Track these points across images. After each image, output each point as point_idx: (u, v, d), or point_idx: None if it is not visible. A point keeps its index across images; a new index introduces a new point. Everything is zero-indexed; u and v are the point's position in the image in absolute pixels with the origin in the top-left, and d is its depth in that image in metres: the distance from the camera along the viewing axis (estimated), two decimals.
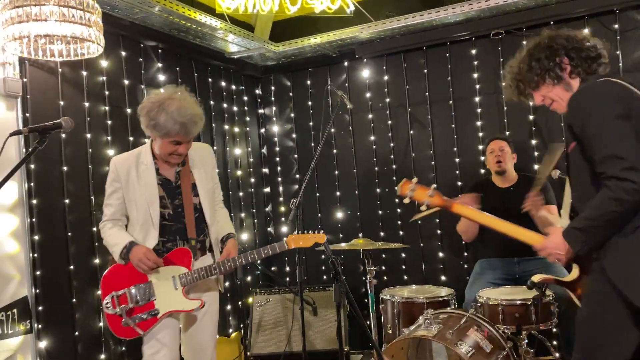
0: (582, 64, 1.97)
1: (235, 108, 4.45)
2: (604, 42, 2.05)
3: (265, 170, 4.77)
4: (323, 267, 4.49)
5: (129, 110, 3.36)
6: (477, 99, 4.01)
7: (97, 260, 3.06)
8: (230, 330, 4.14)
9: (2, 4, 2.42)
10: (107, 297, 2.41)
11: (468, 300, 3.36)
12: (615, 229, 1.79)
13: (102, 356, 3.04)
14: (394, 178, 4.27)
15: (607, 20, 3.64)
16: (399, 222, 4.25)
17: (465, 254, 4.02)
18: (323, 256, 4.46)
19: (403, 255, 4.22)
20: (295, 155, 4.67)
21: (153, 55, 3.64)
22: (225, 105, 4.33)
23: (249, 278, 4.44)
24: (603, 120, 1.78)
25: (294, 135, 4.67)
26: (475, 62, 4.00)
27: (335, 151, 4.47)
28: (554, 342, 3.56)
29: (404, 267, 4.23)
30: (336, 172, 4.48)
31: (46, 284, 2.79)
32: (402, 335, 2.82)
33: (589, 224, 1.82)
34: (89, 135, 3.10)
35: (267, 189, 4.77)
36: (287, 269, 4.67)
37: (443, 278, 4.09)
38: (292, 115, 4.68)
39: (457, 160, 4.07)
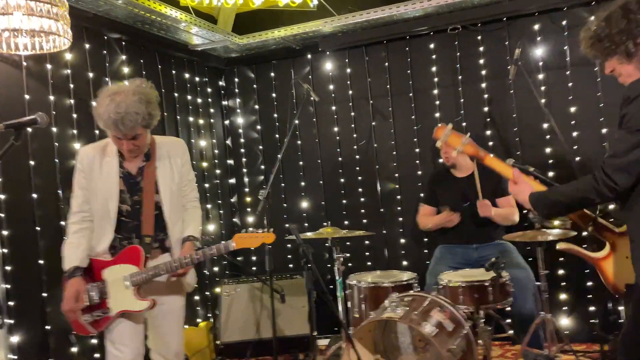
0: None
1: (199, 100, 4.47)
2: None
3: (230, 161, 4.82)
4: (289, 256, 4.60)
5: (94, 103, 3.29)
6: (435, 91, 4.18)
7: None
8: (199, 320, 4.20)
9: None
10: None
11: (429, 283, 3.54)
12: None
13: (74, 349, 3.05)
14: (357, 168, 4.40)
15: (556, 17, 3.86)
16: (362, 211, 4.40)
17: (426, 239, 4.21)
18: (289, 245, 4.57)
19: (367, 242, 4.37)
20: (260, 147, 4.73)
21: (117, 48, 3.62)
22: (189, 97, 4.35)
23: (216, 268, 4.50)
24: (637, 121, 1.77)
25: (258, 127, 4.73)
26: (434, 56, 4.17)
27: (299, 142, 4.56)
28: (508, 321, 3.81)
29: (367, 253, 4.39)
30: (301, 162, 4.58)
31: (17, 278, 2.78)
32: (369, 318, 2.96)
33: (561, 200, 1.92)
34: (55, 129, 3.08)
35: (233, 180, 4.82)
36: (254, 258, 4.75)
37: (405, 263, 4.27)
38: (257, 107, 4.73)
39: (417, 150, 4.24)
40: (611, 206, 2.71)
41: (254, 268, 4.69)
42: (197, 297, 4.20)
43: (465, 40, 4.06)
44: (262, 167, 4.72)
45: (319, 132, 4.52)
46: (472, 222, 3.58)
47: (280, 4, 3.94)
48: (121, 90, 2.32)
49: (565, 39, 3.84)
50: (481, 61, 4.05)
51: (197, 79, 4.46)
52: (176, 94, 4.18)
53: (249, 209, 4.78)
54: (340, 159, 4.47)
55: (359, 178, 4.41)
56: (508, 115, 3.98)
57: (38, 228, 2.93)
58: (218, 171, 4.64)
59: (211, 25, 3.98)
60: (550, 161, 3.88)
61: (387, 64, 4.30)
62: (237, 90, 4.79)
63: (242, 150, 4.80)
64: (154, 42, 3.90)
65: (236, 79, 4.78)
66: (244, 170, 4.79)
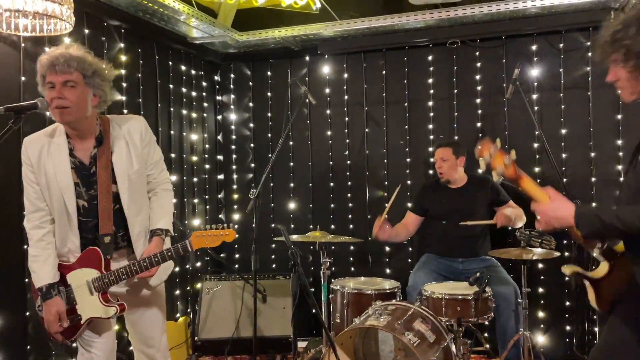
0: None
1: (193, 93, 4.44)
2: None
3: (220, 157, 4.80)
4: (273, 256, 4.60)
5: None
6: (430, 103, 4.22)
7: None
8: (178, 315, 4.17)
9: None
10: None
11: (412, 284, 3.55)
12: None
13: None
14: (348, 173, 4.42)
15: (553, 40, 3.93)
16: (350, 216, 4.42)
17: (410, 249, 4.24)
18: (274, 245, 4.57)
19: (352, 247, 4.39)
20: (252, 145, 4.72)
21: (116, 35, 3.58)
22: (184, 89, 4.32)
23: (198, 264, 4.47)
24: None
25: (251, 125, 4.72)
26: (431, 68, 4.21)
27: (292, 143, 4.56)
28: (485, 335, 3.86)
29: (351, 259, 4.40)
30: (291, 163, 4.58)
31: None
32: (353, 325, 2.97)
33: (617, 224, 1.67)
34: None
35: (221, 176, 4.79)
36: (237, 255, 4.74)
37: (388, 271, 4.30)
38: (251, 104, 4.72)
39: (408, 160, 4.28)
40: None
41: (237, 266, 4.68)
42: (177, 292, 4.17)
43: (463, 55, 4.11)
44: (252, 165, 4.71)
45: (311, 134, 4.53)
46: (460, 235, 3.61)
47: (283, 4, 3.93)
48: (74, 50, 2.15)
49: (560, 62, 3.91)
50: (477, 77, 4.10)
51: (192, 72, 4.43)
52: (171, 86, 4.14)
53: (235, 206, 4.76)
54: (331, 163, 4.48)
55: (349, 183, 4.42)
56: (500, 132, 4.04)
57: (24, 212, 2.87)
58: (207, 166, 4.62)
59: (211, 19, 3.96)
60: (539, 180, 3.93)
61: (384, 72, 4.33)
62: (232, 86, 4.77)
63: (233, 146, 4.78)
64: (153, 32, 3.86)
65: (232, 75, 4.76)
66: (234, 167, 4.77)
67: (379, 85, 4.34)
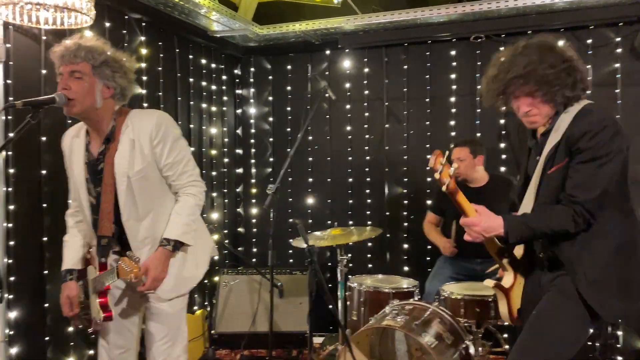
0: (579, 90, 1.95)
1: (213, 87, 4.43)
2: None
3: (239, 151, 4.79)
4: (290, 251, 4.58)
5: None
6: (452, 99, 4.14)
7: None
8: (195, 308, 4.19)
9: None
10: None
11: (428, 292, 3.51)
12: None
13: (70, 328, 3.03)
14: (367, 169, 4.37)
15: (581, 35, 3.81)
16: (368, 212, 4.37)
17: (429, 247, 4.18)
18: (291, 240, 4.54)
19: (369, 244, 4.35)
20: (271, 139, 4.70)
21: (137, 28, 3.58)
22: (204, 83, 4.31)
23: (216, 257, 4.47)
24: (612, 152, 1.85)
25: (270, 119, 4.70)
26: (454, 63, 4.12)
27: (310, 138, 4.52)
28: (505, 335, 3.79)
29: (369, 255, 4.37)
30: (310, 158, 4.54)
31: (19, 254, 2.76)
32: (369, 324, 2.94)
33: (542, 228, 1.91)
34: None
35: (240, 170, 4.79)
36: (255, 250, 4.74)
37: (406, 269, 4.25)
38: (270, 98, 4.69)
39: (428, 157, 4.16)
40: None
41: (254, 260, 4.68)
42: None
43: (488, 50, 4.01)
44: (271, 159, 4.70)
45: (331, 129, 4.49)
46: None
47: None
48: (93, 41, 2.11)
49: (589, 58, 3.79)
50: None
51: (213, 65, 4.42)
52: (191, 79, 4.14)
53: (253, 200, 4.76)
54: (350, 158, 4.43)
55: (367, 179, 4.38)
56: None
57: (44, 205, 2.90)
58: (226, 160, 4.61)
59: (232, 12, 3.94)
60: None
61: (406, 66, 4.26)
62: (252, 80, 4.75)
63: (252, 140, 4.77)
64: (173, 26, 3.86)
65: (252, 69, 4.74)
66: (252, 160, 4.76)
67: (400, 81, 4.27)
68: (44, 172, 2.91)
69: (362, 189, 4.39)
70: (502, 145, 4.01)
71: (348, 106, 4.43)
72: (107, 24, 3.31)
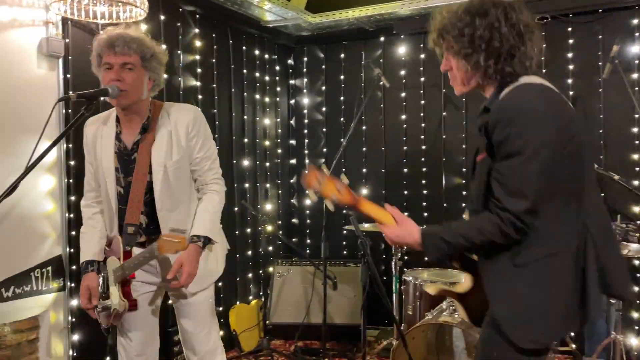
0: (515, 64, 1.55)
1: (267, 77, 4.41)
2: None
3: (293, 141, 4.76)
4: (344, 242, 4.52)
5: (165, 76, 3.34)
6: None
7: None
8: (250, 298, 4.22)
9: None
10: None
11: None
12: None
13: None
14: (423, 159, 4.24)
15: None
16: (424, 204, 4.24)
17: None
18: (345, 231, 4.49)
19: None
20: (324, 129, 4.64)
21: (191, 21, 3.61)
22: (257, 74, 4.30)
23: (270, 248, 4.49)
24: (533, 146, 1.46)
25: (323, 109, 4.64)
26: None
27: (364, 127, 4.43)
28: (571, 334, 3.58)
29: None
30: (364, 148, 4.45)
31: (79, 244, 2.84)
32: (425, 320, 2.85)
33: (462, 243, 1.56)
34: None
35: (293, 161, 4.77)
36: (308, 241, 4.71)
37: None
38: (323, 88, 4.63)
39: None
40: None
41: (307, 251, 4.65)
42: (249, 275, 4.21)
43: (554, 31, 3.76)
44: (324, 149, 4.64)
45: (385, 118, 4.37)
46: None
47: None
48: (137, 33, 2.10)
49: None
50: (569, 55, 3.75)
51: (266, 56, 4.40)
52: (245, 71, 4.14)
53: (307, 191, 4.71)
54: (405, 148, 4.31)
55: (424, 170, 4.24)
56: (594, 115, 3.69)
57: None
58: (280, 150, 4.60)
59: (284, 2, 3.89)
60: (637, 169, 3.56)
61: None
62: (305, 69, 4.70)
63: (305, 131, 4.73)
64: (227, 17, 3.86)
65: (305, 58, 4.69)
66: (306, 151, 4.73)
67: None
68: None
69: (418, 179, 4.25)
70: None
71: (403, 94, 4.30)
72: (162, 17, 3.35)
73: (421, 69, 4.23)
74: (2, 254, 2.53)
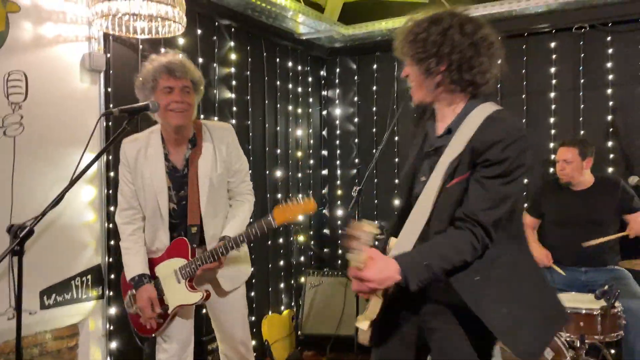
0: (474, 74, 1.63)
1: (299, 89, 4.45)
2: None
3: (325, 152, 4.78)
4: None
5: (201, 89, 3.41)
6: (552, 94, 3.85)
7: None
8: (282, 308, 4.23)
9: None
10: (127, 296, 2.37)
11: None
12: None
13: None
14: None
15: None
16: None
17: None
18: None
19: None
20: (356, 140, 4.64)
21: (226, 34, 3.67)
22: (290, 85, 4.34)
23: (302, 258, 4.50)
24: (521, 168, 1.55)
25: (355, 120, 4.64)
26: (554, 56, 3.83)
27: (397, 138, 4.41)
28: (612, 351, 3.47)
29: None
30: (396, 159, 4.43)
31: (118, 253, 2.86)
32: None
33: (443, 265, 1.52)
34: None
35: (325, 172, 4.78)
36: (340, 251, 4.70)
37: None
38: (356, 99, 4.64)
39: None
40: None
41: (339, 262, 4.64)
42: (281, 285, 4.23)
43: (592, 41, 3.69)
44: (356, 160, 4.63)
45: None
46: (582, 241, 3.25)
47: None
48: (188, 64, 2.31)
49: None
50: (609, 65, 3.66)
51: (299, 67, 4.43)
52: (278, 82, 4.18)
53: (339, 202, 4.72)
54: None
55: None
56: (635, 126, 3.59)
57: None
58: (312, 161, 4.62)
59: (318, 14, 3.93)
60: None
61: (500, 61, 4.01)
62: (337, 80, 4.71)
63: (337, 142, 4.73)
64: (261, 30, 3.91)
65: (338, 69, 4.70)
66: (338, 162, 4.73)
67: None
68: None
69: None
70: (610, 144, 3.66)
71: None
72: (199, 31, 3.42)
73: None
74: (45, 262, 2.61)
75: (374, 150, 4.22)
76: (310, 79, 4.59)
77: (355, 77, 4.63)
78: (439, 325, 1.68)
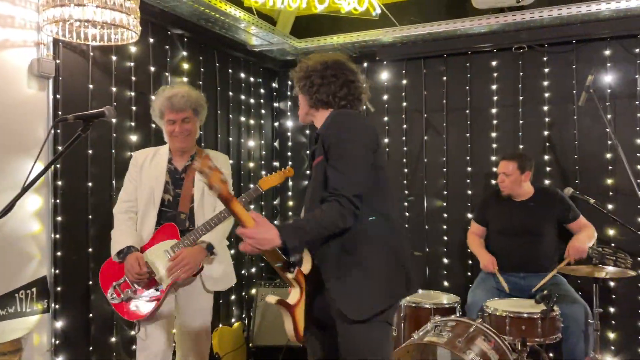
0: (351, 102, 2.10)
1: (252, 100, 4.47)
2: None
3: (276, 163, 4.81)
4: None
5: (152, 97, 3.37)
6: (494, 110, 4.06)
7: None
8: (233, 320, 4.19)
9: None
10: (110, 289, 2.49)
11: (470, 303, 3.42)
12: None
13: (113, 339, 3.08)
14: (405, 182, 4.32)
15: (629, 44, 3.69)
16: (406, 226, 4.31)
17: (470, 262, 4.09)
18: None
19: None
20: (307, 151, 4.70)
21: (179, 44, 3.65)
22: (242, 97, 4.35)
23: (253, 269, 4.49)
24: (358, 145, 1.92)
25: (307, 132, 4.70)
26: (495, 74, 4.05)
27: None
28: (551, 355, 3.66)
29: None
30: None
31: (65, 265, 2.82)
32: (411, 340, 2.87)
33: (316, 228, 1.82)
34: (114, 120, 3.11)
35: None
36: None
37: (446, 284, 4.16)
38: None
39: (468, 169, 4.13)
40: None
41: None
42: (232, 297, 4.20)
43: (530, 60, 3.93)
44: (308, 172, 4.69)
45: None
46: (522, 249, 3.44)
47: (343, 11, 3.89)
48: (176, 87, 2.67)
49: (637, 67, 3.67)
50: (545, 83, 3.91)
51: (251, 79, 4.46)
52: (230, 93, 4.19)
53: (290, 213, 4.75)
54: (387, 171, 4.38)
55: (406, 192, 4.32)
56: (569, 141, 3.83)
57: (90, 216, 2.96)
58: (263, 172, 4.63)
59: (270, 26, 3.98)
60: (611, 193, 3.71)
61: (445, 78, 4.21)
62: (289, 93, 4.77)
63: (289, 153, 4.78)
64: (214, 40, 3.92)
65: (289, 82, 4.76)
66: None
67: (439, 92, 4.22)
68: (90, 184, 2.98)
69: (401, 201, 4.33)
70: (547, 157, 3.90)
71: (386, 118, 4.39)
72: (151, 40, 3.39)
73: (403, 94, 4.34)
74: None
75: None
76: (262, 91, 4.62)
77: None
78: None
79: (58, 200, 2.80)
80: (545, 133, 3.92)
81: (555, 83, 3.89)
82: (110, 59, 3.11)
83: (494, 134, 4.06)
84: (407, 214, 4.31)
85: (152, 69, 3.41)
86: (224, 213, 2.49)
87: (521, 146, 3.96)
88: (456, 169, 4.17)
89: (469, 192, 4.11)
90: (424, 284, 4.11)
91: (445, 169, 4.20)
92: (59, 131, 2.79)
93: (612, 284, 3.69)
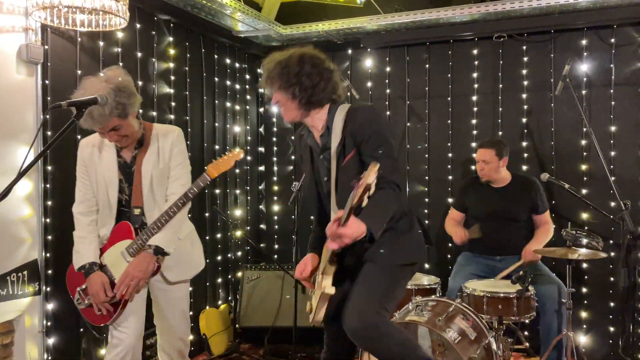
0: (337, 92, 2.21)
1: (237, 86, 4.51)
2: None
3: (261, 149, 4.87)
4: None
5: (140, 83, 3.41)
6: (474, 97, 4.17)
7: None
8: (220, 303, 4.28)
9: None
10: (75, 294, 2.49)
11: (451, 289, 3.55)
12: None
13: None
14: None
15: (604, 34, 3.82)
16: None
17: (450, 245, 4.21)
18: None
19: None
20: (292, 137, 4.76)
21: (165, 29, 3.67)
22: (228, 82, 4.39)
23: (239, 253, 4.57)
24: (390, 135, 2.13)
25: None
26: (476, 62, 4.15)
27: None
28: (526, 333, 3.83)
29: None
30: None
31: (56, 248, 2.86)
32: (393, 319, 2.99)
33: (385, 215, 2.01)
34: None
35: (262, 168, 4.87)
36: (276, 246, 4.82)
37: (427, 266, 4.29)
38: None
39: (449, 155, 4.24)
40: None
41: (276, 256, 4.75)
42: (219, 280, 4.28)
43: (510, 49, 4.04)
44: (293, 157, 4.76)
45: None
46: (499, 233, 3.57)
47: None
48: (92, 86, 2.27)
49: (611, 57, 3.80)
50: (524, 71, 4.02)
51: (237, 64, 4.50)
52: (216, 79, 4.22)
53: (275, 197, 4.83)
54: None
55: None
56: (546, 128, 3.97)
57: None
58: (249, 158, 4.70)
59: (256, 12, 4.01)
60: (585, 178, 3.86)
61: (427, 65, 4.29)
62: None
63: (274, 139, 4.84)
64: (200, 26, 3.94)
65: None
66: (274, 158, 4.84)
67: (422, 79, 4.31)
68: None
69: None
70: (524, 144, 4.03)
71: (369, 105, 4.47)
72: (138, 25, 3.40)
73: (387, 81, 4.42)
74: None
75: None
76: (247, 77, 4.66)
77: None
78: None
79: (48, 185, 2.83)
80: (524, 120, 4.04)
81: (534, 72, 4.01)
82: (97, 44, 3.12)
83: (474, 121, 4.17)
84: None
85: (139, 54, 3.43)
86: (174, 208, 2.38)
87: (500, 133, 4.08)
88: (437, 155, 4.28)
89: (450, 177, 4.23)
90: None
91: (427, 155, 4.31)
92: (47, 116, 2.81)
93: (585, 265, 3.86)
